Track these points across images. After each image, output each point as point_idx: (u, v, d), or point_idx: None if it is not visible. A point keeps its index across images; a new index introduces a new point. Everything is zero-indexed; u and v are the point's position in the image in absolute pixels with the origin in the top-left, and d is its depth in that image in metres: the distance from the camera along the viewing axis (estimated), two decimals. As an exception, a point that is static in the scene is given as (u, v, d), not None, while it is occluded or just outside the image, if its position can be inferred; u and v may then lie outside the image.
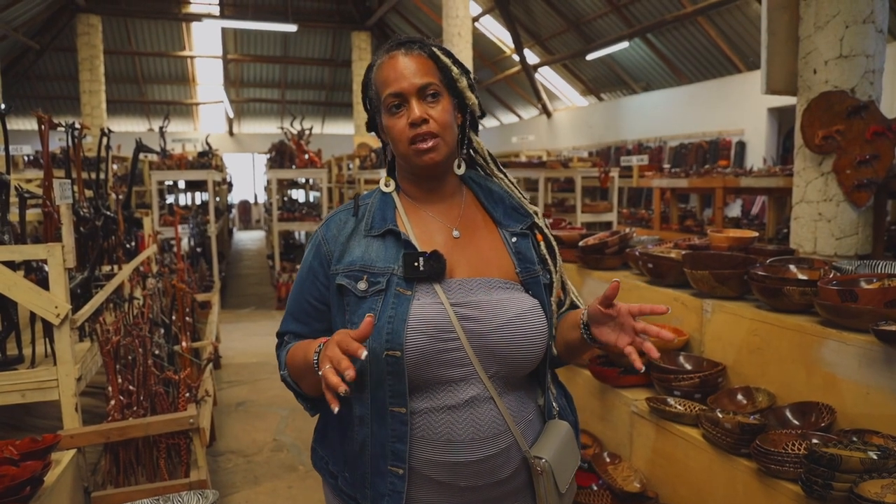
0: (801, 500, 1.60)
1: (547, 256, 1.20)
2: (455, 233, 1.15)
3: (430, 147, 1.08)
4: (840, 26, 3.43)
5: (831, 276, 2.12)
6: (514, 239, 1.18)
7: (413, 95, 1.08)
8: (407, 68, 1.09)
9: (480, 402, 1.07)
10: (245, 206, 18.68)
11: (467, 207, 1.20)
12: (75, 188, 2.89)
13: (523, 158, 9.50)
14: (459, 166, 1.20)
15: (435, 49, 1.14)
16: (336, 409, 0.90)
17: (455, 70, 1.14)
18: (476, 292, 1.09)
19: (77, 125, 3.10)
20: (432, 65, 1.12)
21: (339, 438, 1.18)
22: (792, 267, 2.31)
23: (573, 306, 1.26)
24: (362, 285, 1.09)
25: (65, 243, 2.16)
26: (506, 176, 1.26)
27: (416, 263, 1.07)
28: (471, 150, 1.25)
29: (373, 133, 1.23)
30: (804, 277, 2.21)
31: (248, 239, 15.55)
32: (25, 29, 13.29)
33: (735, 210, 9.30)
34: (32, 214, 3.48)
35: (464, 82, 1.15)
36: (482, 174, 1.27)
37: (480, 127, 1.27)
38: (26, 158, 7.86)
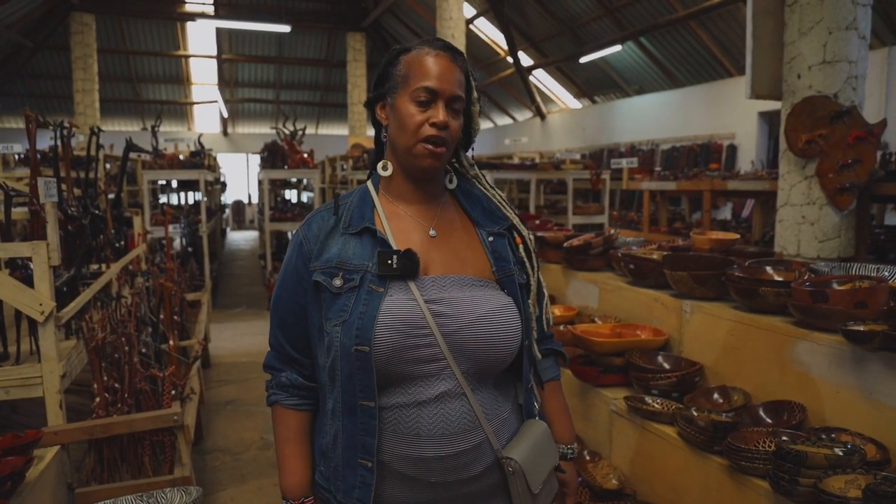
0: (769, 495, 1.63)
1: (525, 258, 1.22)
2: (431, 232, 1.17)
3: (439, 153, 1.12)
4: (823, 32, 3.48)
5: (805, 277, 2.15)
6: (490, 238, 1.20)
7: (444, 100, 1.12)
8: (452, 73, 1.13)
9: (452, 397, 1.09)
10: (238, 207, 18.66)
11: (446, 209, 1.22)
12: (63, 186, 2.90)
13: (516, 160, 9.52)
14: (451, 181, 1.24)
15: (469, 69, 1.19)
16: None
17: (474, 94, 1.20)
18: (449, 289, 1.12)
19: (66, 124, 3.12)
20: (465, 82, 1.17)
21: (317, 432, 1.21)
22: (769, 269, 2.35)
23: (542, 333, 1.28)
24: (337, 282, 1.11)
25: (50, 241, 2.17)
26: (494, 190, 1.29)
27: (389, 261, 1.10)
28: (457, 166, 1.28)
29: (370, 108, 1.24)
30: (779, 279, 2.25)
31: (242, 239, 15.54)
32: (19, 26, 13.25)
33: (725, 213, 9.37)
34: (21, 213, 3.49)
35: (476, 108, 1.21)
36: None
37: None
38: (17, 157, 7.82)
